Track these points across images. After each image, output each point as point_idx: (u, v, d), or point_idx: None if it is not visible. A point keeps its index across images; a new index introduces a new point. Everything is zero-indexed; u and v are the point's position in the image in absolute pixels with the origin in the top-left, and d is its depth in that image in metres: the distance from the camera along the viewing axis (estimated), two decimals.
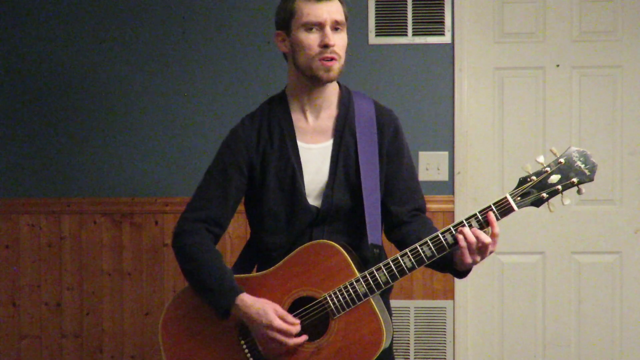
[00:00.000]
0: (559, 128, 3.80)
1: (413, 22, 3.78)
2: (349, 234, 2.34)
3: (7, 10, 3.86)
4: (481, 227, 2.12)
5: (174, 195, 3.83)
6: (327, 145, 2.34)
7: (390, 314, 2.38)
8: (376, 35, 3.79)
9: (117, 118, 3.86)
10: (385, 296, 2.37)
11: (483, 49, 3.81)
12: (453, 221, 3.67)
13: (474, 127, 3.81)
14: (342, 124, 2.34)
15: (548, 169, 2.10)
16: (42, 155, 3.87)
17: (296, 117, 2.36)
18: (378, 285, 2.18)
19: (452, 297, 3.81)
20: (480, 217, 2.12)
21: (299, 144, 2.34)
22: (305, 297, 2.24)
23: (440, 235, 2.14)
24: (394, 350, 2.47)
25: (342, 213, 2.33)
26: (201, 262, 2.30)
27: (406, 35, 3.79)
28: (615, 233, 3.82)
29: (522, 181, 2.12)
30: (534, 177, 2.11)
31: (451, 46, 3.78)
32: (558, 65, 3.80)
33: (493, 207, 2.12)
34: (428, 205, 2.48)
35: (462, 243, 2.11)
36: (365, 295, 2.18)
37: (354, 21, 3.77)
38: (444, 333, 3.81)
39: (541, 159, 2.10)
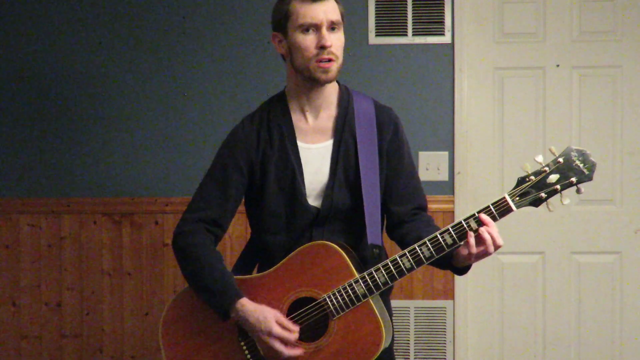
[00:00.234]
0: (559, 128, 3.80)
1: (413, 22, 3.78)
2: (349, 234, 2.34)
3: (7, 10, 3.86)
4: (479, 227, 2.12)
5: (174, 195, 3.83)
6: (327, 145, 2.34)
7: (391, 314, 2.38)
8: (376, 35, 3.79)
9: (117, 118, 3.86)
10: (386, 296, 2.36)
11: (483, 49, 3.81)
12: (453, 221, 3.67)
13: (474, 127, 3.81)
14: (341, 124, 2.34)
15: (547, 168, 2.10)
16: (42, 155, 3.87)
17: (296, 117, 2.36)
18: (377, 286, 2.18)
19: (452, 297, 3.81)
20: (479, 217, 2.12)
21: (299, 144, 2.34)
22: (305, 298, 2.24)
23: (438, 236, 2.13)
24: (394, 350, 2.46)
25: (342, 213, 2.33)
26: (202, 263, 2.30)
27: (406, 35, 3.79)
28: (615, 233, 3.82)
29: (521, 181, 2.11)
30: (532, 177, 2.10)
31: (451, 46, 3.78)
32: (558, 65, 3.80)
33: (492, 207, 2.12)
34: (428, 206, 2.48)
35: (485, 235, 2.10)
36: (365, 296, 2.18)
37: (354, 21, 3.78)
38: (444, 333, 3.81)
39: (540, 158, 2.10)
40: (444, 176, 3.78)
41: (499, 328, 3.87)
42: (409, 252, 2.15)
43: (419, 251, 2.14)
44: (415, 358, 3.82)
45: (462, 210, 3.74)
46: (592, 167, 2.10)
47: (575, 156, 2.10)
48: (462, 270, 2.24)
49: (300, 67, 2.28)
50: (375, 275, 2.17)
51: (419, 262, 2.15)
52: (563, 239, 3.83)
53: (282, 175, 2.33)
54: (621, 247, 3.82)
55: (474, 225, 2.11)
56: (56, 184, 3.87)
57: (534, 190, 2.10)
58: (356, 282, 2.18)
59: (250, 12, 3.81)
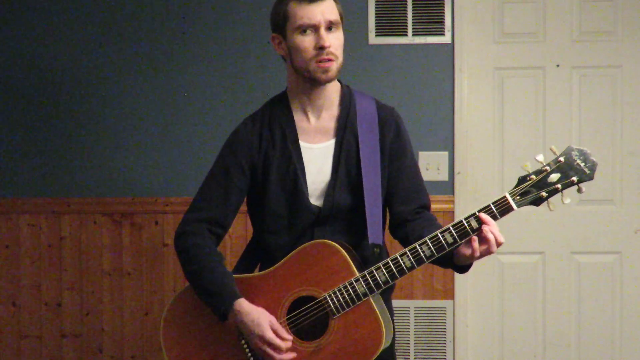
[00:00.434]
0: (559, 128, 3.80)
1: (413, 22, 3.78)
2: (350, 233, 2.34)
3: (7, 10, 3.86)
4: (480, 226, 2.12)
5: (174, 195, 3.83)
6: (329, 145, 2.34)
7: (392, 314, 2.38)
8: (376, 35, 3.79)
9: (117, 118, 3.86)
10: (387, 296, 2.37)
11: (483, 49, 3.81)
12: (453, 221, 3.67)
13: (474, 127, 3.81)
14: (343, 124, 2.34)
15: (547, 167, 2.10)
16: (42, 155, 3.87)
17: (298, 118, 2.36)
18: (377, 285, 2.17)
19: (452, 297, 3.81)
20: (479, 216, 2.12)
21: (301, 144, 2.34)
22: (305, 297, 2.24)
23: (439, 235, 2.13)
24: (395, 351, 2.46)
25: (343, 213, 2.33)
26: (202, 264, 2.31)
27: (406, 35, 3.79)
28: (615, 233, 3.82)
29: (522, 180, 2.11)
30: (533, 176, 2.10)
31: (451, 46, 3.78)
32: (558, 65, 3.80)
33: (492, 206, 2.12)
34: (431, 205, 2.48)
35: (489, 235, 2.10)
36: (365, 294, 2.18)
37: (354, 21, 3.78)
38: (444, 333, 3.81)
39: (541, 157, 2.09)
40: (444, 176, 3.78)
41: (499, 328, 3.87)
42: (409, 250, 2.15)
43: (419, 250, 2.14)
44: (415, 358, 3.82)
45: (462, 210, 3.74)
46: (593, 166, 2.10)
47: (576, 155, 2.10)
48: (464, 268, 2.24)
49: (300, 68, 2.28)
50: (376, 274, 2.17)
51: (419, 261, 2.15)
52: (563, 239, 3.83)
53: (284, 175, 2.33)
54: (621, 247, 3.82)
55: (474, 224, 2.11)
56: (56, 184, 3.87)
57: (534, 190, 2.10)
58: (357, 281, 2.18)
59: (250, 12, 3.81)
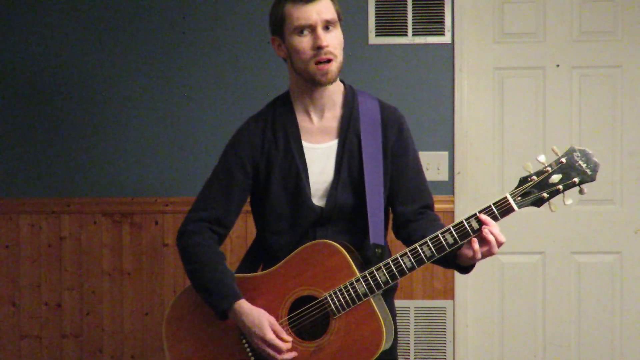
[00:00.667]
0: (559, 128, 3.80)
1: (413, 22, 3.78)
2: (352, 233, 2.34)
3: (7, 10, 3.86)
4: (481, 227, 2.11)
5: (174, 195, 3.83)
6: (331, 145, 2.34)
7: (394, 314, 2.38)
8: (376, 35, 3.79)
9: (117, 118, 3.86)
10: (389, 296, 2.37)
11: (483, 49, 3.81)
12: (453, 221, 3.67)
13: (474, 127, 3.81)
14: (346, 124, 2.34)
15: (549, 168, 2.09)
16: (42, 155, 3.87)
17: (301, 118, 2.36)
18: (378, 285, 2.17)
19: (452, 297, 3.81)
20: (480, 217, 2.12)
21: (304, 144, 2.34)
22: (306, 297, 2.24)
23: (440, 235, 2.13)
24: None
25: (346, 213, 2.33)
26: (203, 263, 2.31)
27: (406, 35, 3.79)
28: (615, 233, 3.82)
29: (523, 181, 2.10)
30: (534, 177, 2.09)
31: (451, 46, 3.78)
32: (558, 65, 3.80)
33: (493, 207, 2.11)
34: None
35: (490, 237, 2.10)
36: (365, 295, 2.18)
37: (354, 21, 3.78)
38: (444, 333, 3.81)
39: (542, 158, 2.09)
40: (444, 176, 3.78)
41: (499, 328, 3.87)
42: (410, 251, 2.15)
43: (420, 250, 2.14)
44: (415, 358, 3.83)
45: (462, 210, 3.74)
46: (595, 167, 2.09)
47: (578, 156, 2.09)
48: (467, 269, 2.24)
49: (300, 70, 2.28)
50: (376, 274, 2.17)
51: (420, 262, 2.15)
52: (563, 239, 3.83)
53: (286, 175, 2.33)
54: (621, 247, 3.82)
55: (475, 224, 2.11)
56: (56, 184, 3.87)
57: (536, 190, 2.09)
58: (357, 281, 2.18)
59: (251, 12, 3.81)
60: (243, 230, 3.75)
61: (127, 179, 3.86)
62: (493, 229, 2.10)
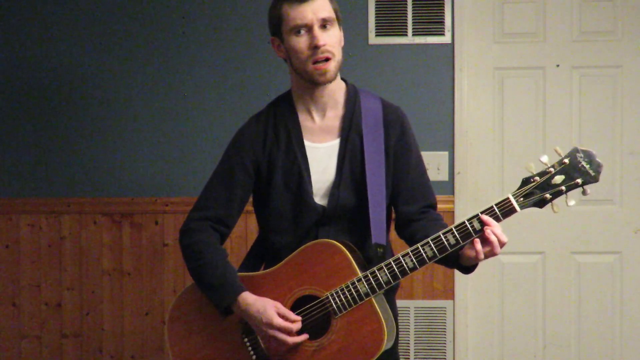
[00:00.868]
0: (559, 128, 3.80)
1: (413, 22, 3.78)
2: (354, 233, 2.34)
3: (7, 10, 3.86)
4: (483, 227, 2.11)
5: (174, 195, 3.83)
6: (333, 144, 2.34)
7: (396, 314, 2.38)
8: (376, 35, 3.79)
9: (117, 118, 3.86)
10: (391, 295, 2.37)
11: (483, 49, 3.81)
12: (453, 221, 3.68)
13: (474, 127, 3.81)
14: (348, 123, 2.34)
15: (552, 169, 2.08)
16: (42, 155, 3.87)
17: (302, 117, 2.36)
18: (379, 285, 2.17)
19: (452, 297, 3.81)
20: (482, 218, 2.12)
21: (306, 143, 2.34)
22: (308, 296, 2.25)
23: (442, 236, 2.12)
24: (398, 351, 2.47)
25: (348, 212, 2.33)
26: (205, 259, 2.31)
27: (406, 35, 3.79)
28: (615, 233, 3.82)
29: (525, 181, 2.10)
30: (537, 178, 2.08)
31: (451, 46, 3.78)
32: (558, 65, 3.80)
33: (495, 207, 2.10)
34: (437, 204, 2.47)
35: (492, 237, 2.10)
36: (367, 294, 2.18)
37: (354, 21, 3.78)
38: (444, 333, 3.81)
39: (545, 159, 2.08)
40: (444, 176, 3.78)
41: (499, 328, 3.87)
42: (411, 251, 2.15)
43: (421, 251, 2.14)
44: (415, 358, 3.83)
45: (462, 210, 3.74)
46: (598, 168, 2.08)
47: (581, 157, 2.08)
48: (469, 269, 2.24)
49: (299, 70, 2.29)
50: (378, 274, 2.17)
51: (421, 262, 2.15)
52: (563, 239, 3.83)
53: (288, 174, 2.33)
54: (621, 247, 3.83)
55: (477, 225, 2.10)
56: (56, 184, 3.87)
57: (538, 191, 2.08)
58: (359, 280, 2.18)
59: (250, 12, 3.81)
60: (243, 230, 3.75)
61: (127, 179, 3.86)
62: (495, 229, 2.10)
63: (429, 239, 2.14)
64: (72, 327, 3.88)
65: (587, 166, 2.08)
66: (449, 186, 3.79)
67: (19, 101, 3.87)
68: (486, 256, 2.13)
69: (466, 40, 3.78)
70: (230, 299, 2.25)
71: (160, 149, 3.85)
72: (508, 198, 2.10)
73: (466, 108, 3.79)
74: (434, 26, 3.78)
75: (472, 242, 2.11)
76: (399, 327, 2.41)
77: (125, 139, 3.86)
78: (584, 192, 2.10)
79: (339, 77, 2.35)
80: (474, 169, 3.82)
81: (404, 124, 2.37)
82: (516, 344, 3.87)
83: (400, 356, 3.77)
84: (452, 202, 3.78)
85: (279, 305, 2.23)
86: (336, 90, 2.35)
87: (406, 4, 3.78)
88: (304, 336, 2.22)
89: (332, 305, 2.20)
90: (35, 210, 3.86)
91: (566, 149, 2.10)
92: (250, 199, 2.44)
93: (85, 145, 3.86)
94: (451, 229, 2.12)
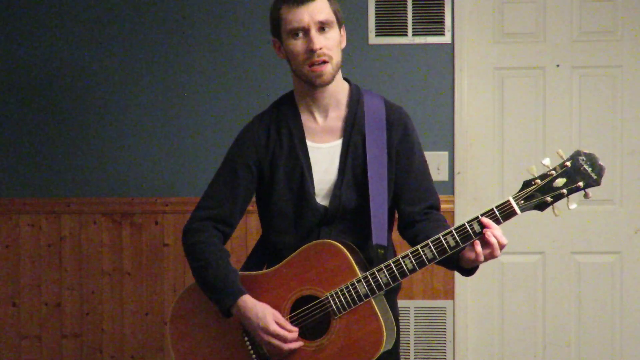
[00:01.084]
0: (559, 128, 3.80)
1: (413, 22, 3.78)
2: (356, 233, 2.34)
3: (7, 10, 3.86)
4: (483, 229, 2.11)
5: (174, 195, 3.83)
6: (336, 144, 2.34)
7: (397, 314, 2.39)
8: (376, 35, 3.79)
9: (117, 118, 3.86)
10: (392, 296, 2.37)
11: (483, 49, 3.81)
12: (453, 221, 3.68)
13: (474, 127, 3.81)
14: (350, 124, 2.34)
15: (553, 172, 2.07)
16: (42, 155, 3.87)
17: (305, 117, 2.36)
18: (379, 286, 2.17)
19: (452, 297, 3.81)
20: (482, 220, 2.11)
21: (308, 143, 2.34)
22: (308, 296, 2.25)
23: (441, 238, 2.12)
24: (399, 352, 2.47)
25: (350, 212, 2.33)
26: (207, 261, 2.32)
27: (406, 35, 3.79)
28: (615, 233, 3.82)
29: (526, 184, 2.08)
30: (538, 180, 2.07)
31: (451, 46, 3.78)
32: (558, 65, 3.80)
33: (495, 210, 2.10)
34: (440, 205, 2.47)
35: (492, 239, 2.10)
36: (366, 295, 2.18)
37: (354, 21, 3.77)
38: (444, 333, 3.81)
39: (547, 161, 2.07)
40: (444, 176, 3.78)
41: (499, 328, 3.87)
42: (411, 253, 2.15)
43: (421, 252, 2.14)
44: (415, 358, 3.83)
45: (462, 210, 3.74)
46: (600, 171, 2.07)
47: (583, 160, 2.06)
48: (470, 271, 2.23)
49: (297, 72, 2.30)
50: (378, 276, 2.17)
51: (421, 264, 2.14)
52: (563, 239, 3.83)
53: (291, 174, 2.33)
54: (621, 247, 3.83)
55: (477, 227, 2.10)
56: (56, 184, 3.87)
57: (539, 194, 2.07)
58: (358, 281, 2.18)
59: (250, 12, 3.81)
60: (243, 230, 3.75)
61: (127, 179, 3.86)
62: (495, 231, 2.09)
63: (428, 241, 2.13)
64: (72, 327, 3.88)
65: (590, 169, 2.07)
66: (449, 186, 3.79)
67: (19, 101, 3.87)
68: (486, 258, 2.13)
69: (466, 40, 3.78)
70: (230, 301, 2.26)
71: (160, 149, 3.85)
72: (508, 200, 2.09)
73: (466, 108, 3.79)
74: (434, 26, 3.78)
75: (472, 244, 2.11)
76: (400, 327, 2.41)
77: (125, 139, 3.86)
78: (585, 196, 2.09)
79: (340, 78, 2.35)
80: (474, 169, 3.82)
81: (407, 125, 2.37)
82: (516, 344, 3.87)
83: (401, 356, 3.78)
84: (452, 202, 3.78)
85: (277, 313, 2.24)
86: (338, 91, 2.35)
87: (406, 4, 3.78)
88: (299, 343, 2.23)
89: (331, 305, 2.20)
90: (35, 210, 3.86)
91: (566, 150, 2.09)
92: (253, 199, 2.44)
93: (85, 145, 3.86)
94: (451, 231, 2.12)
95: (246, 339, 2.30)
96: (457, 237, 2.11)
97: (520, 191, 2.09)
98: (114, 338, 3.87)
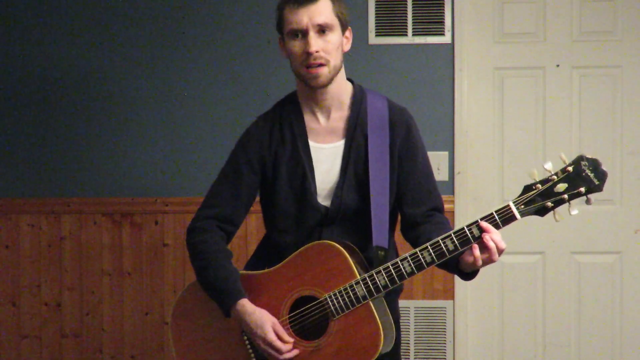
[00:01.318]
0: (559, 128, 3.80)
1: (413, 22, 3.77)
2: (358, 234, 2.33)
3: (7, 10, 3.86)
4: (482, 233, 2.10)
5: (174, 195, 3.83)
6: (338, 145, 2.35)
7: (398, 316, 2.39)
8: (376, 35, 3.79)
9: (117, 118, 3.86)
10: (393, 298, 2.37)
11: (483, 49, 3.81)
12: (453, 221, 3.68)
13: (474, 127, 3.81)
14: (353, 124, 2.34)
15: (555, 176, 2.05)
16: (42, 155, 3.87)
17: (308, 118, 2.37)
18: (377, 289, 2.17)
19: (452, 297, 3.81)
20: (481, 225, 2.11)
21: (311, 143, 2.35)
22: (307, 296, 2.25)
23: (440, 241, 2.12)
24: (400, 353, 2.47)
25: (351, 213, 2.33)
26: (209, 260, 2.33)
27: (406, 35, 3.79)
28: (615, 233, 3.82)
29: (527, 188, 2.07)
30: (539, 185, 2.05)
31: (451, 46, 3.78)
32: (558, 65, 3.80)
33: (495, 214, 2.09)
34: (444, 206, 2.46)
35: (490, 244, 2.09)
36: (365, 297, 2.17)
37: (354, 21, 3.76)
38: (444, 333, 3.82)
39: (549, 165, 2.05)
40: (444, 176, 3.78)
41: (499, 328, 3.87)
42: (410, 256, 2.15)
43: (420, 256, 2.13)
44: (415, 358, 3.83)
45: (462, 210, 3.74)
46: (602, 177, 2.04)
47: (585, 165, 2.04)
48: (469, 275, 2.23)
49: (295, 73, 2.31)
50: (376, 278, 2.17)
51: (419, 267, 2.14)
52: (563, 239, 3.83)
53: (293, 174, 2.34)
54: (621, 247, 3.83)
55: (476, 231, 2.09)
56: (56, 184, 3.87)
57: (540, 199, 2.05)
58: (357, 283, 2.18)
59: (250, 12, 3.80)
60: (243, 231, 3.74)
61: (127, 179, 3.86)
62: (494, 236, 2.09)
63: (427, 244, 2.13)
64: (72, 327, 3.88)
65: (592, 175, 2.04)
66: (449, 186, 3.79)
67: (18, 101, 3.87)
68: (484, 263, 2.13)
69: (466, 40, 3.77)
70: (230, 303, 2.26)
71: (160, 149, 3.85)
72: (508, 205, 2.08)
73: (466, 108, 3.78)
74: (434, 26, 3.77)
75: (470, 248, 2.11)
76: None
77: (125, 139, 3.86)
78: (587, 201, 2.06)
79: (343, 79, 2.35)
80: (474, 169, 3.82)
81: (410, 126, 2.37)
82: (516, 344, 3.87)
83: (401, 356, 3.79)
84: (452, 202, 3.78)
85: (275, 321, 2.25)
86: (341, 92, 2.35)
87: (406, 4, 3.77)
88: (295, 352, 2.23)
89: (330, 307, 2.20)
90: (35, 210, 3.86)
91: (567, 152, 2.10)
92: (257, 199, 2.45)
93: (85, 145, 3.86)
94: (450, 235, 2.11)
95: (245, 338, 2.31)
96: (455, 241, 2.11)
97: (520, 195, 2.08)
98: (114, 338, 3.88)
